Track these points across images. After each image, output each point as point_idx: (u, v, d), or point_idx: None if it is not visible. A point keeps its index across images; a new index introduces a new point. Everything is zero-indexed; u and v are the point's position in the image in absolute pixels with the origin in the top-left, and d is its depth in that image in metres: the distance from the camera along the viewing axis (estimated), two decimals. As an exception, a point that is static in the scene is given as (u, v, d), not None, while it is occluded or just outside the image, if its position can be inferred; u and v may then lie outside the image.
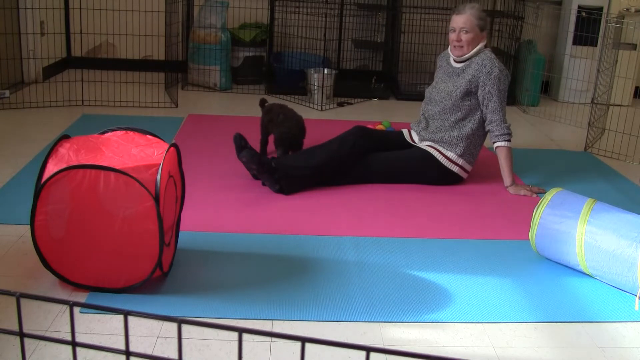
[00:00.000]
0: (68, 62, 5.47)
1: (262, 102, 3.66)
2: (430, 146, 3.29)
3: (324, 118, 4.47)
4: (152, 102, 4.52)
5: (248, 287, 2.20)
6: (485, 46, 3.29)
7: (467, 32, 3.18)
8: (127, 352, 0.74)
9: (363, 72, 5.57)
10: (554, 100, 5.44)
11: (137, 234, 2.01)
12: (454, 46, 3.24)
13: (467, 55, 3.23)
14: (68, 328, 1.92)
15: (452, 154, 3.25)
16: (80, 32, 5.41)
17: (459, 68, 3.28)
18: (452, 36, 3.22)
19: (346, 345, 0.70)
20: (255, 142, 3.47)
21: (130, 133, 2.27)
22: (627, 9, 5.20)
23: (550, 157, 3.89)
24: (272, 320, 2.03)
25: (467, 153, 3.27)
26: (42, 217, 2.00)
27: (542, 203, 2.46)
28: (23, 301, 1.95)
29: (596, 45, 5.22)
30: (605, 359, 1.94)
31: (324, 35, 5.02)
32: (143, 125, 3.77)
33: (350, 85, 5.20)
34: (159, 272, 2.14)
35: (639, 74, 5.44)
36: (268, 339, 1.92)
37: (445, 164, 3.25)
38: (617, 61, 4.64)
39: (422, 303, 2.17)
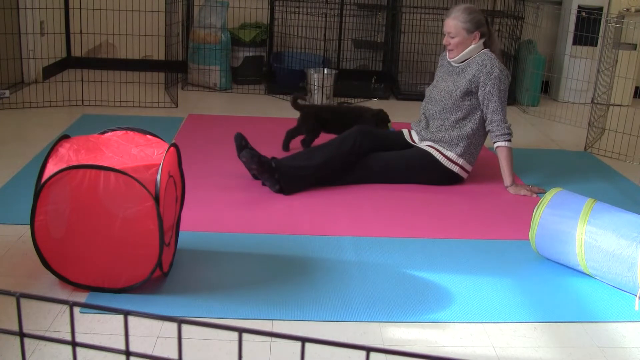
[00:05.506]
0: (68, 62, 5.46)
1: (296, 99, 3.68)
2: (431, 146, 3.29)
3: (324, 118, 4.47)
4: (152, 102, 4.52)
5: (248, 287, 2.20)
6: (492, 47, 3.29)
7: (452, 36, 3.22)
8: (127, 352, 0.74)
9: (363, 72, 5.57)
10: (554, 100, 5.44)
11: (137, 234, 2.01)
12: (447, 50, 3.30)
13: (460, 56, 3.25)
14: (68, 328, 1.92)
15: (452, 153, 3.25)
16: (80, 32, 5.41)
17: (459, 67, 3.29)
18: (444, 40, 3.27)
19: (346, 345, 0.70)
20: (255, 142, 3.46)
21: (130, 133, 2.27)
22: (627, 9, 5.20)
23: (550, 157, 3.89)
24: (272, 320, 2.03)
25: (467, 153, 3.27)
26: (42, 217, 2.00)
27: (542, 203, 2.46)
28: (23, 301, 1.95)
29: (596, 45, 5.22)
30: (605, 359, 1.94)
31: (324, 35, 5.01)
32: (143, 125, 3.76)
33: (350, 85, 5.20)
34: (159, 272, 2.14)
35: (639, 74, 5.43)
36: (268, 339, 1.91)
37: (445, 164, 3.25)
38: (617, 61, 4.64)
39: (422, 303, 2.17)
